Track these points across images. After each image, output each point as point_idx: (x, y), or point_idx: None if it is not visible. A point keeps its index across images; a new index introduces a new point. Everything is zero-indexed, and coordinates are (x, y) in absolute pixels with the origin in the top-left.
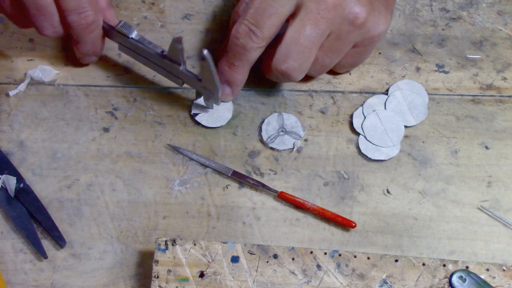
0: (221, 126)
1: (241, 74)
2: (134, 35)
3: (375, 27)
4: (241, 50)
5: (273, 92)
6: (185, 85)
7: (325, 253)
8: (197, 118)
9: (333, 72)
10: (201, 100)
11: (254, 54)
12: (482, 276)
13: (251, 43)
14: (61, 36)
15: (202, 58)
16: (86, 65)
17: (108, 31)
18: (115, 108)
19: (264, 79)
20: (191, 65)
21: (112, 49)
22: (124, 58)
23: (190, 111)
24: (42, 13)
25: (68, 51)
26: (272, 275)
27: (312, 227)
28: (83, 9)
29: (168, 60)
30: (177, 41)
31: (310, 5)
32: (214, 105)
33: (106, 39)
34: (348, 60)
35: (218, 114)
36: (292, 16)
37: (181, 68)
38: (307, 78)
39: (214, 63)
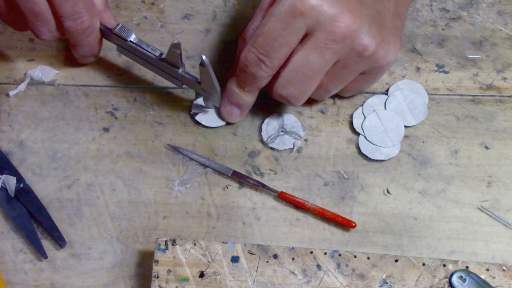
0: (221, 126)
1: (251, 97)
2: (132, 38)
3: (384, 57)
4: (251, 78)
5: None
6: (184, 86)
7: (325, 253)
8: (197, 118)
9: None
10: (200, 100)
11: (264, 81)
12: (482, 276)
13: (260, 72)
14: (59, 38)
15: (200, 64)
16: (86, 64)
17: (106, 33)
18: (115, 108)
19: None
20: (191, 65)
21: (112, 49)
22: (124, 58)
23: (190, 111)
24: (38, 19)
25: (68, 51)
26: (272, 275)
27: (312, 227)
28: (78, 14)
29: (167, 63)
30: (175, 46)
31: (318, 35)
32: (211, 106)
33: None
34: (354, 86)
35: (218, 114)
36: (300, 42)
37: (180, 71)
38: (311, 100)
39: (212, 68)
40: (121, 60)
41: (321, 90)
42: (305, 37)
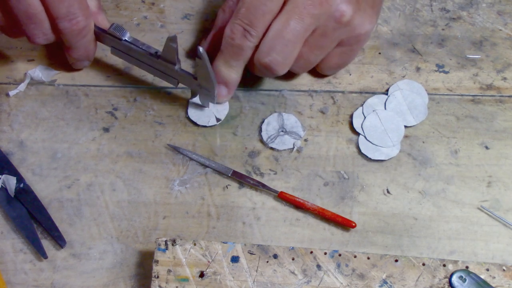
0: (221, 126)
1: (237, 73)
2: (126, 37)
3: (360, 26)
4: (238, 50)
5: (273, 92)
6: (180, 85)
7: (325, 253)
8: (192, 117)
9: (320, 74)
10: (197, 99)
11: (250, 52)
12: (482, 276)
13: (247, 42)
14: (53, 42)
15: (197, 56)
16: (91, 66)
17: (100, 35)
18: (115, 108)
19: (264, 79)
20: (190, 65)
21: None
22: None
23: (186, 111)
24: (32, 21)
25: None
26: (272, 275)
27: (312, 227)
28: (74, 15)
29: (163, 60)
30: (171, 40)
31: (296, 0)
32: (210, 103)
33: (99, 43)
34: (334, 60)
35: (214, 113)
36: (279, 10)
37: (176, 67)
38: (292, 75)
39: (209, 61)
40: (121, 60)
41: (301, 60)
42: (284, 4)
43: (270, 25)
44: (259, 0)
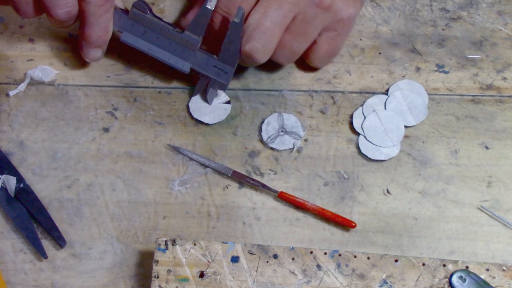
0: (221, 126)
1: None
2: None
3: (343, 10)
4: (218, 38)
5: (273, 92)
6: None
7: (325, 253)
8: (195, 115)
9: (314, 69)
10: (197, 98)
11: None
12: (482, 276)
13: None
14: (71, 19)
15: (236, 17)
16: (86, 65)
17: (119, 15)
18: (115, 108)
19: (264, 79)
20: None
21: (112, 49)
22: (124, 58)
23: (188, 109)
24: None
25: (68, 51)
26: (272, 275)
27: (312, 227)
28: None
29: (186, 34)
30: (210, 2)
31: None
32: (211, 101)
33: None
34: (323, 47)
35: (216, 111)
36: None
37: (199, 40)
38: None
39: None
40: (121, 60)
41: (285, 49)
42: None
43: (248, 13)
44: None
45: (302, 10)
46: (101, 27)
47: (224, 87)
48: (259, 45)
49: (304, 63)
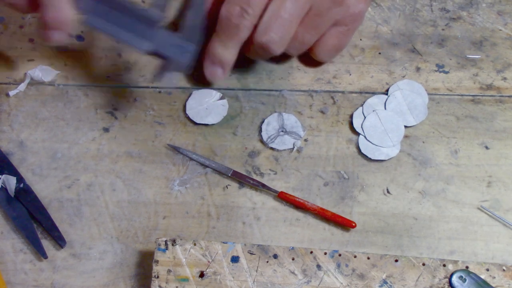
0: (221, 126)
1: (233, 54)
2: None
3: (355, 5)
4: (235, 30)
5: (273, 92)
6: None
7: (325, 253)
8: (196, 120)
9: (319, 63)
10: (194, 98)
11: (247, 32)
12: (482, 276)
13: (244, 21)
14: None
15: None
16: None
17: None
18: (115, 108)
19: (264, 79)
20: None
21: (112, 49)
22: (125, 58)
23: (185, 109)
24: None
25: (68, 51)
26: (272, 275)
27: (312, 227)
28: None
29: (148, 10)
30: None
31: None
32: (208, 101)
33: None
34: (330, 41)
35: (215, 110)
36: None
37: (162, 16)
38: (289, 54)
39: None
40: (121, 60)
41: (296, 41)
42: None
43: (266, 6)
44: None
45: (316, 3)
46: (56, 7)
47: (183, 68)
48: (277, 37)
49: (305, 62)
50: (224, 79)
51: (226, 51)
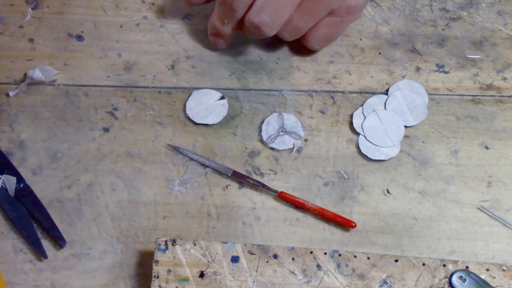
0: (221, 126)
1: (230, 28)
2: None
3: None
4: (229, 9)
5: (273, 92)
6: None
7: (325, 253)
8: (197, 120)
9: (310, 51)
10: (193, 98)
11: (241, 11)
12: (482, 276)
13: (237, 2)
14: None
15: None
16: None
17: None
18: (115, 108)
19: (264, 79)
20: (191, 65)
21: (112, 49)
22: (124, 58)
23: (185, 110)
24: None
25: (68, 51)
26: (272, 275)
27: (312, 227)
28: None
29: None
30: None
31: None
32: (208, 101)
33: None
34: (322, 30)
35: (215, 110)
36: None
37: None
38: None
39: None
40: (121, 60)
41: (290, 25)
42: None
43: None
44: None
45: None
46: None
47: None
48: (268, 19)
49: (305, 62)
50: (226, 48)
51: (223, 26)
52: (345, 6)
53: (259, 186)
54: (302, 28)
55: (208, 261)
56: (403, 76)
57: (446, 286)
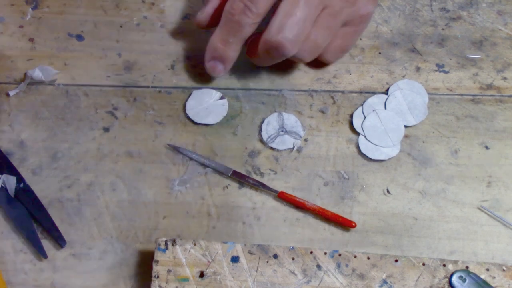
0: (221, 126)
1: (234, 50)
2: None
3: (365, 6)
4: (236, 26)
5: (273, 92)
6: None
7: (325, 253)
8: (196, 120)
9: (324, 64)
10: (193, 98)
11: (249, 30)
12: (482, 276)
13: (246, 19)
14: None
15: None
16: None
17: None
18: (115, 108)
19: (264, 79)
20: (191, 65)
21: (112, 48)
22: (124, 58)
23: (185, 110)
24: None
25: (68, 51)
26: (272, 275)
27: (312, 227)
28: None
29: None
30: None
31: None
32: (208, 101)
33: None
34: (337, 42)
35: (215, 110)
36: None
37: None
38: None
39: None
40: (121, 60)
41: (310, 41)
42: None
43: (274, 5)
44: None
45: (330, 3)
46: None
47: None
48: (291, 36)
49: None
50: (224, 75)
51: (227, 47)
52: (358, 15)
53: (259, 186)
54: (321, 44)
55: (208, 261)
56: (403, 76)
57: (446, 286)
